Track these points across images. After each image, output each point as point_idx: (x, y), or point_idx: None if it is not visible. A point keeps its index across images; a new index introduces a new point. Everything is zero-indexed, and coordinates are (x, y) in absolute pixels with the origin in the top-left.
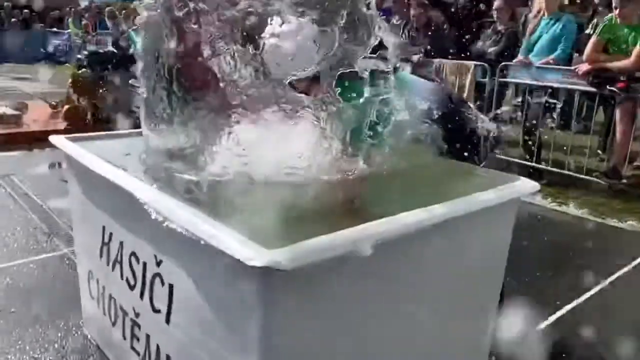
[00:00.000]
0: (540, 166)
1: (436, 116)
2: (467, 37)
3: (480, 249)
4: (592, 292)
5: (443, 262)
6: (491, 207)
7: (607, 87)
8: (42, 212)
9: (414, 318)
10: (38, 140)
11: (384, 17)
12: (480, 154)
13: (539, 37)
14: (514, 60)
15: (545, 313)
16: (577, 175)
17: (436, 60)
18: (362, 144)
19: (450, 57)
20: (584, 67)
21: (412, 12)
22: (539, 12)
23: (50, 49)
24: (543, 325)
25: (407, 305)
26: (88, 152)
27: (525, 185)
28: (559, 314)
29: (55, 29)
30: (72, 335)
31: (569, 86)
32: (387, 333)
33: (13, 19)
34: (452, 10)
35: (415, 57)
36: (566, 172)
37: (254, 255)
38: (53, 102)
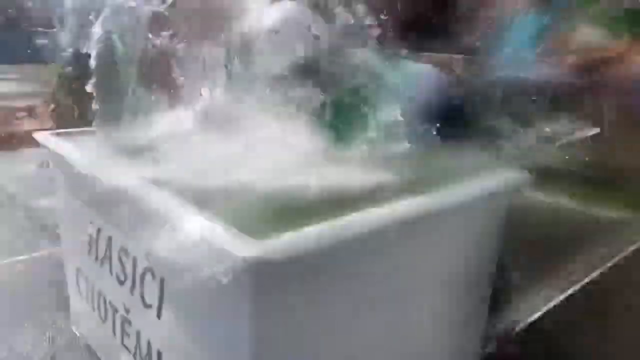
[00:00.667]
0: None
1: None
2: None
3: (471, 241)
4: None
5: (437, 254)
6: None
7: None
8: (29, 212)
9: (407, 310)
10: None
11: None
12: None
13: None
14: None
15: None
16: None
17: None
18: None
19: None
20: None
21: None
22: None
23: (35, 48)
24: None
25: (401, 296)
26: (73, 147)
27: (516, 178)
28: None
29: (40, 29)
30: (60, 334)
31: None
32: (379, 326)
33: None
34: None
35: None
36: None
37: (244, 246)
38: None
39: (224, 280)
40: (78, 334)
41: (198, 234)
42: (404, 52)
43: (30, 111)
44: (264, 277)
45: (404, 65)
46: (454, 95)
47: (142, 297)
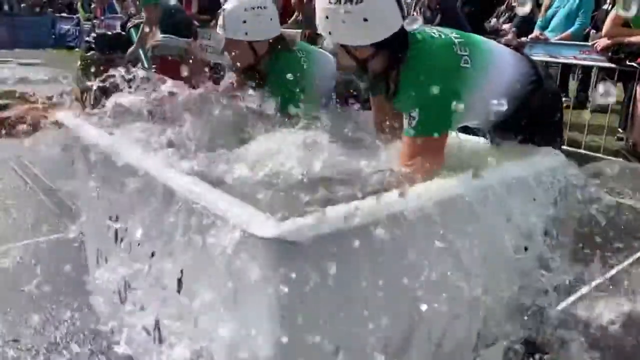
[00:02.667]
0: None
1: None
2: (482, 13)
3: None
4: (613, 272)
5: (464, 234)
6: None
7: (627, 62)
8: (52, 194)
9: (430, 288)
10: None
11: None
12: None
13: (555, 12)
14: (529, 36)
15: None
16: (594, 154)
17: None
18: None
19: None
20: (603, 42)
21: None
22: None
23: (60, 33)
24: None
25: (424, 276)
26: (94, 129)
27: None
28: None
29: (64, 14)
30: (81, 313)
31: (587, 62)
32: (400, 304)
33: (23, 5)
34: None
35: None
36: (582, 151)
37: (266, 227)
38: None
39: (244, 261)
40: (99, 313)
41: (219, 214)
42: None
43: (57, 95)
44: (284, 257)
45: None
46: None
47: (161, 279)
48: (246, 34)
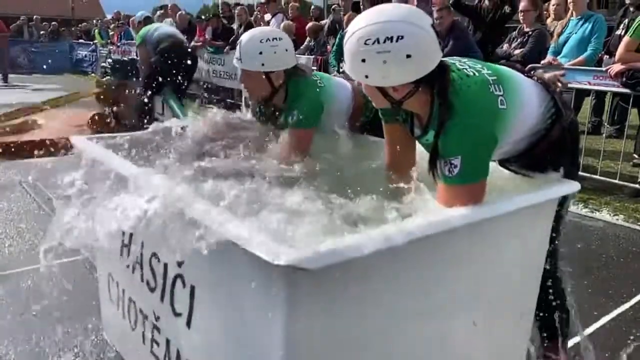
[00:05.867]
0: None
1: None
2: (492, 39)
3: (518, 250)
4: (633, 301)
5: (478, 262)
6: (531, 207)
7: None
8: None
9: (442, 320)
10: (63, 146)
11: None
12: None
13: (567, 38)
14: (542, 62)
15: (582, 324)
16: (610, 180)
17: None
18: None
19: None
20: (617, 67)
21: (435, 15)
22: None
23: (77, 59)
24: (581, 337)
25: (436, 306)
26: (108, 151)
27: (565, 186)
28: (597, 324)
29: (82, 40)
30: (91, 339)
31: (602, 87)
32: (412, 336)
33: (42, 32)
34: (477, 12)
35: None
36: (598, 177)
37: (279, 254)
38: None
39: (258, 288)
40: (109, 340)
41: (233, 240)
42: None
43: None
44: (298, 285)
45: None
46: None
47: (172, 305)
48: (262, 64)
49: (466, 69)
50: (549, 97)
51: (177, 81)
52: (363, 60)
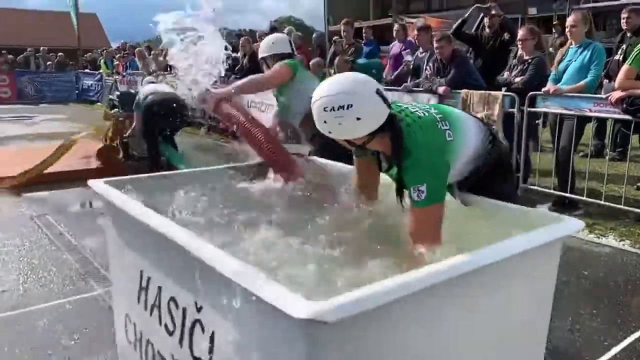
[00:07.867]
0: (575, 196)
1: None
2: (494, 65)
3: (527, 291)
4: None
5: (489, 307)
6: (537, 249)
7: None
8: (76, 252)
9: None
10: (72, 179)
11: (408, 49)
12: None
13: (567, 66)
14: (542, 89)
15: (593, 355)
16: (615, 205)
17: (463, 91)
18: None
19: (476, 88)
20: (617, 94)
21: (435, 44)
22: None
23: (83, 88)
24: None
25: (453, 352)
26: (127, 197)
27: (570, 225)
28: (608, 355)
29: (87, 70)
30: None
31: (603, 115)
32: None
33: (49, 62)
34: (477, 40)
35: (441, 89)
36: (603, 202)
37: (299, 307)
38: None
39: (277, 339)
40: None
41: (253, 292)
42: None
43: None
44: (317, 337)
45: (457, 114)
46: None
47: (191, 350)
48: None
49: (417, 111)
50: (485, 128)
51: (166, 132)
52: (325, 122)
